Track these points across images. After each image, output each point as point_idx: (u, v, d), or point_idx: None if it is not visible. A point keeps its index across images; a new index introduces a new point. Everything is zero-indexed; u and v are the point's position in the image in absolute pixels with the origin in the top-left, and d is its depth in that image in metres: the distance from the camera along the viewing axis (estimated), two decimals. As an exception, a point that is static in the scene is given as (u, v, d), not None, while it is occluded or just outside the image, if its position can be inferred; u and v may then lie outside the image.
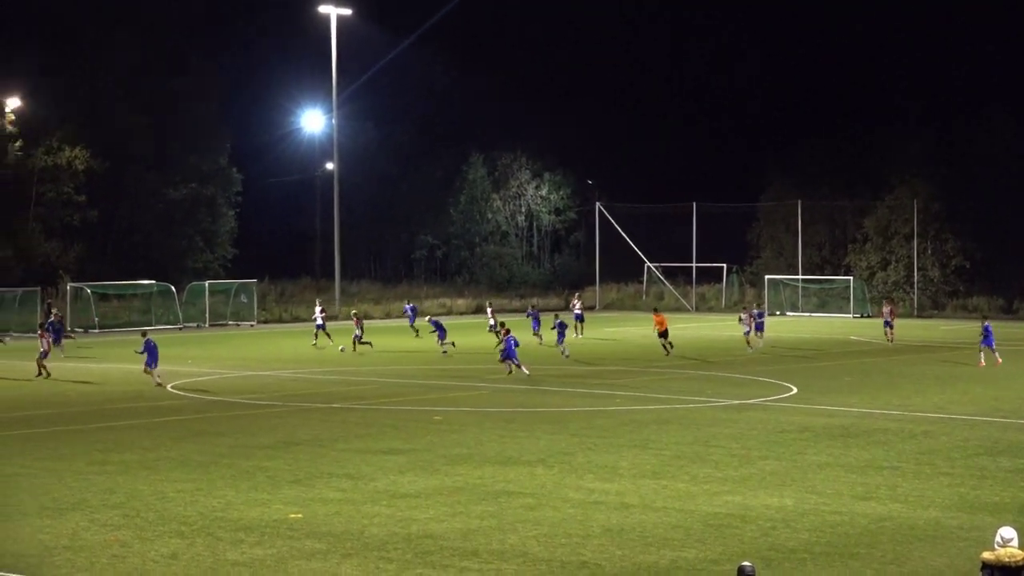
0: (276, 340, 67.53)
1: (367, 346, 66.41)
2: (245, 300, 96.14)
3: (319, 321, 73.03)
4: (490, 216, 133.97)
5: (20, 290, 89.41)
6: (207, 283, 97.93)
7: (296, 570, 21.53)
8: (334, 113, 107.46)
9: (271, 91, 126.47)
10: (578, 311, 78.15)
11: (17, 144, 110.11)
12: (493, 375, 53.21)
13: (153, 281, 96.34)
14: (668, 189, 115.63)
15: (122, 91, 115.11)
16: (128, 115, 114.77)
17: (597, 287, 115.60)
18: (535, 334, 69.21)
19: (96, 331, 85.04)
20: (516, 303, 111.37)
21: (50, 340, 58.60)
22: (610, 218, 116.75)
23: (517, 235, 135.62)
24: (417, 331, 75.10)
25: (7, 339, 79.34)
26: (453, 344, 64.72)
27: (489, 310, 79.85)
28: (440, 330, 65.59)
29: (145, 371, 50.37)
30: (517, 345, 52.88)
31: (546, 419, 40.02)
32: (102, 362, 62.81)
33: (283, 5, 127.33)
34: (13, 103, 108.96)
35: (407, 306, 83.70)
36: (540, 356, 61.10)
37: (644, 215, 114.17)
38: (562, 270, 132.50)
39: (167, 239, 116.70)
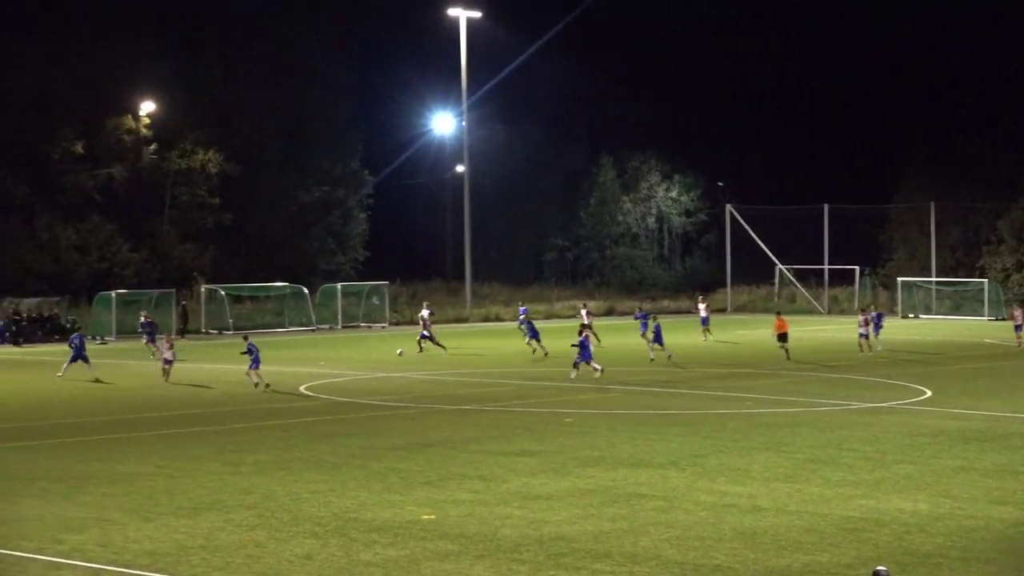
0: (407, 342, 67.81)
1: (441, 349, 66.18)
2: (377, 302, 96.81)
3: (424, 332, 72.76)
4: (620, 218, 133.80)
5: (156, 292, 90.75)
6: (339, 285, 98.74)
7: (429, 571, 21.59)
8: (464, 115, 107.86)
9: (402, 94, 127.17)
10: (703, 314, 77.71)
11: (152, 148, 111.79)
12: (625, 377, 53.12)
13: (286, 283, 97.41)
14: (799, 190, 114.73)
15: (255, 94, 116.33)
16: (261, 118, 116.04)
17: (728, 289, 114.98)
18: (642, 336, 67.78)
19: (230, 332, 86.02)
20: (647, 306, 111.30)
21: (158, 340, 59.70)
22: (740, 220, 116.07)
23: (647, 237, 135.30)
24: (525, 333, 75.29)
25: (106, 339, 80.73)
26: (546, 353, 64.10)
27: (584, 311, 78.79)
28: (533, 332, 65.38)
29: (247, 374, 50.61)
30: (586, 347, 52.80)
31: (677, 421, 39.86)
32: (237, 363, 63.50)
33: (413, 8, 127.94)
34: (148, 107, 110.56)
35: (521, 308, 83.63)
36: (668, 359, 60.85)
37: (775, 217, 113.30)
38: (692, 272, 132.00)
39: (299, 241, 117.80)
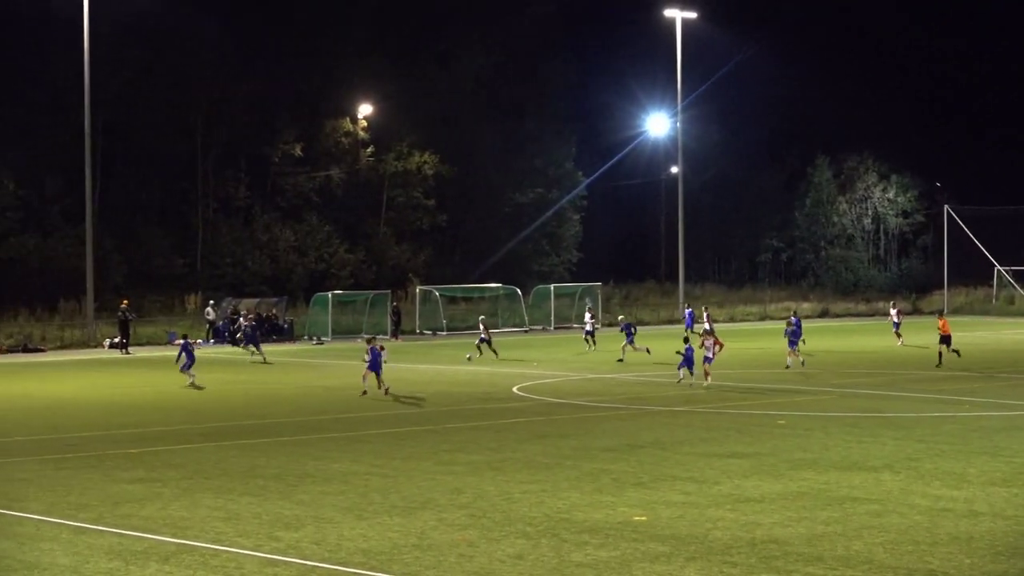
0: (619, 343, 67.78)
1: (493, 354, 65.16)
2: (589, 303, 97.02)
3: (588, 328, 72.36)
4: (835, 219, 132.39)
5: (372, 293, 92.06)
6: (552, 286, 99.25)
7: (640, 573, 21.57)
8: (679, 116, 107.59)
9: (616, 95, 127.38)
10: (895, 319, 76.36)
11: (369, 150, 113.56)
12: (838, 380, 52.54)
13: (499, 284, 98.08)
14: (1019, 190, 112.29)
15: (470, 96, 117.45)
16: (476, 120, 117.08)
17: (945, 291, 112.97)
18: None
19: (443, 333, 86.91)
20: (862, 307, 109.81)
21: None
22: (959, 220, 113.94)
23: (863, 238, 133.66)
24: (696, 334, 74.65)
25: (322, 339, 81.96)
26: (648, 351, 63.45)
27: (706, 315, 77.20)
28: (630, 335, 64.63)
29: (367, 377, 49.38)
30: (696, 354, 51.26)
31: (892, 424, 39.28)
32: (451, 364, 64.18)
33: (629, 10, 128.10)
34: (365, 110, 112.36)
35: (686, 310, 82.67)
36: (881, 361, 60.04)
37: (994, 217, 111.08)
38: (908, 274, 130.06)
39: (513, 243, 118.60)
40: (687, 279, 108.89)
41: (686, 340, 51.57)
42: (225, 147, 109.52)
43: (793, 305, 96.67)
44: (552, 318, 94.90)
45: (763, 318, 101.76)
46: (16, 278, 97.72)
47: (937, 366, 58.16)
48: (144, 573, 21.40)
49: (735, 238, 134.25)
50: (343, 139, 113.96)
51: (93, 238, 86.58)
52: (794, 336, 59.62)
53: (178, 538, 23.96)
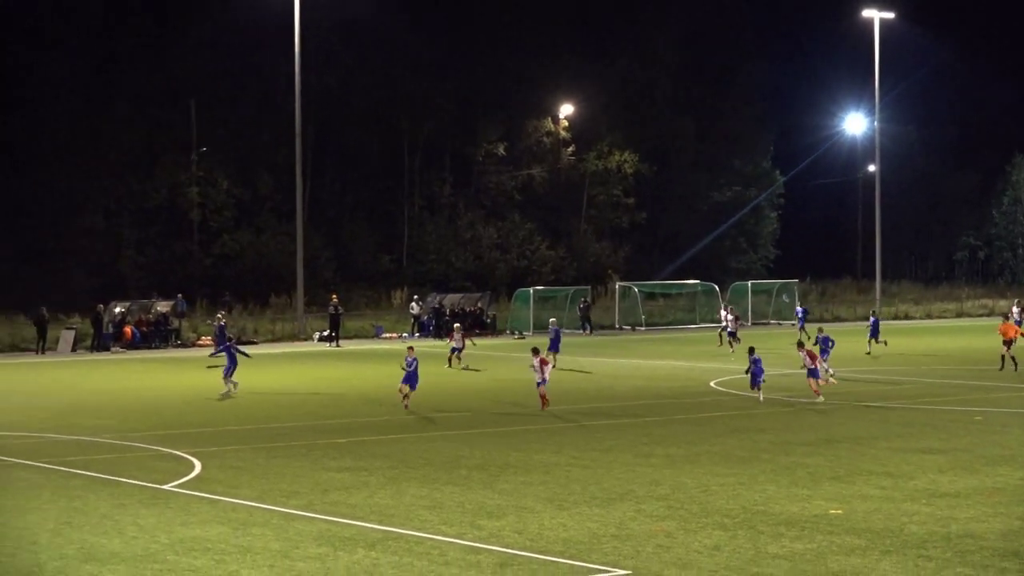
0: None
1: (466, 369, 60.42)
2: (787, 300, 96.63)
3: (730, 328, 71.11)
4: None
5: (572, 288, 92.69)
6: (749, 283, 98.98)
7: (835, 565, 21.75)
8: (876, 116, 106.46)
9: (813, 94, 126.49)
10: (1017, 318, 74.54)
11: (570, 150, 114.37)
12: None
13: (697, 281, 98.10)
14: None
15: (669, 96, 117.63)
16: (674, 119, 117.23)
17: None
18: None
19: (642, 328, 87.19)
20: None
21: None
22: None
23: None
24: (809, 336, 73.72)
25: (524, 334, 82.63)
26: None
27: (798, 313, 74.43)
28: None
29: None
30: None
31: (1096, 423, 38.80)
32: (649, 359, 64.49)
33: (826, 10, 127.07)
34: (566, 110, 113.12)
35: (798, 308, 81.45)
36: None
37: None
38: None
39: (711, 240, 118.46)
40: (884, 276, 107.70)
41: (751, 351, 45.94)
42: (430, 147, 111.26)
43: (955, 304, 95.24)
44: (749, 314, 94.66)
45: (959, 315, 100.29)
46: (230, 274, 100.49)
47: (1000, 368, 55.04)
48: (351, 559, 22.18)
49: (932, 236, 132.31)
50: (545, 138, 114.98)
51: (303, 235, 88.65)
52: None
53: (384, 525, 24.75)
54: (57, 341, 74.70)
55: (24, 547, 23.02)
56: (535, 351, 44.06)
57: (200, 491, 28.40)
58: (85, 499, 27.45)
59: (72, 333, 75.42)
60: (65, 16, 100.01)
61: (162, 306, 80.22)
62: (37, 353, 72.25)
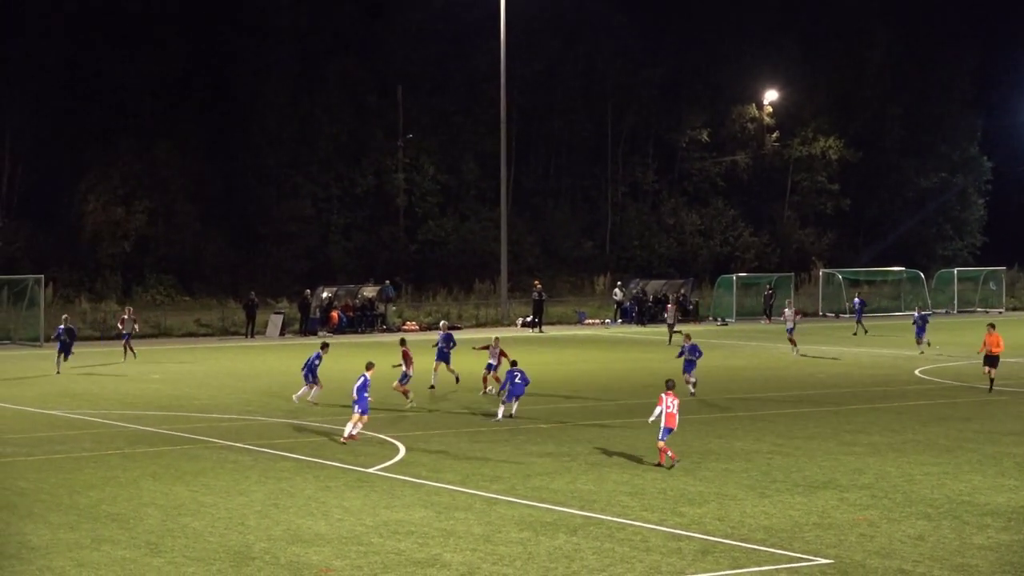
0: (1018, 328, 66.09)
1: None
2: (994, 287, 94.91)
3: (789, 325, 66.87)
4: None
5: (775, 275, 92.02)
6: (955, 270, 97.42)
7: (1043, 556, 21.51)
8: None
9: (1022, 78, 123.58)
10: None
11: (774, 136, 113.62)
12: None
13: (902, 268, 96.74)
14: None
15: (874, 81, 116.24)
16: (880, 105, 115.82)
17: None
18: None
19: (846, 316, 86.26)
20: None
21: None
22: None
23: None
24: (866, 329, 71.66)
25: (727, 320, 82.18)
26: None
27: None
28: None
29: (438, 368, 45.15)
30: None
31: None
32: (853, 346, 63.82)
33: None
34: (771, 96, 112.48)
35: (856, 300, 79.01)
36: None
37: None
38: None
39: (917, 227, 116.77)
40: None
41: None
42: (634, 133, 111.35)
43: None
44: (955, 302, 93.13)
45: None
46: (436, 259, 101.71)
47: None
48: (553, 544, 22.41)
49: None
50: (749, 124, 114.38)
51: (508, 221, 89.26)
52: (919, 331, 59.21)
53: (585, 511, 24.96)
54: (266, 325, 76.19)
55: (233, 527, 23.65)
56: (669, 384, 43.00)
57: (404, 475, 28.88)
58: (292, 481, 28.08)
59: (280, 318, 76.88)
60: (276, 4, 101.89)
61: (368, 291, 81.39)
62: (246, 337, 73.79)
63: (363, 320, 78.53)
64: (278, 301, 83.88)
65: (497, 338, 43.20)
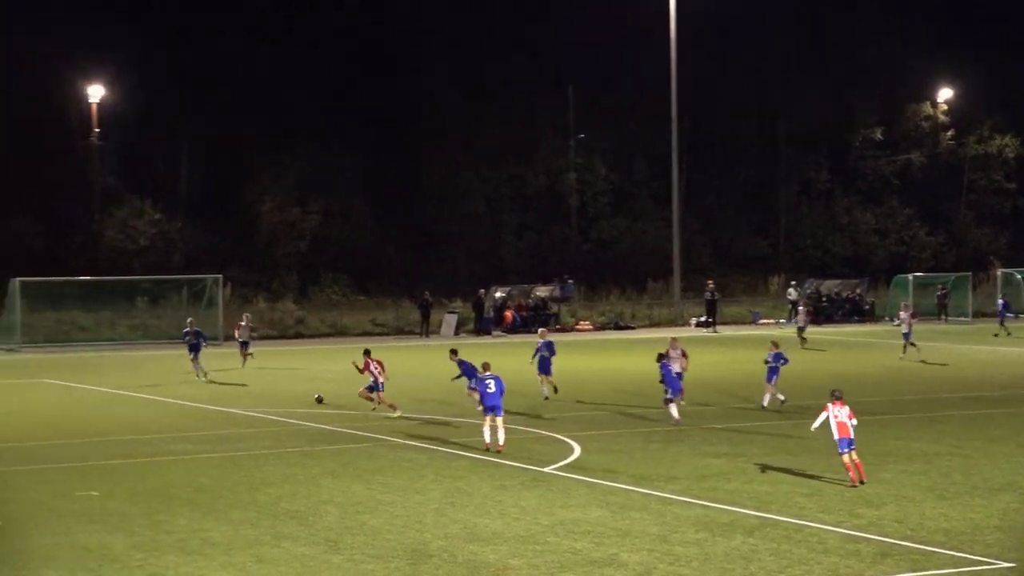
0: None
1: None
2: (905, 299, 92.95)
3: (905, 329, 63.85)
4: None
5: (952, 275, 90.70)
6: None
7: None
8: None
9: None
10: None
11: (949, 134, 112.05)
12: None
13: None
14: None
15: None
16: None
17: None
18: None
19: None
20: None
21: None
22: None
23: None
24: (1008, 331, 69.40)
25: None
26: None
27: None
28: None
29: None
30: None
31: None
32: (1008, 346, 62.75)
33: None
34: (945, 94, 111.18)
35: (1000, 301, 76.49)
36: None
37: None
38: None
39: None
40: None
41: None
42: (805, 132, 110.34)
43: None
44: None
45: None
46: (608, 259, 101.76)
47: None
48: (729, 545, 22.33)
49: None
50: (923, 123, 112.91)
51: (680, 220, 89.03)
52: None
53: (761, 512, 24.83)
54: (440, 325, 76.81)
55: (411, 525, 23.90)
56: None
57: (579, 474, 28.95)
58: (468, 480, 28.29)
59: (455, 317, 77.45)
60: (444, 4, 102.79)
61: (542, 291, 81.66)
62: (421, 336, 74.44)
63: (536, 319, 78.81)
64: (452, 301, 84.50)
65: (675, 338, 42.84)
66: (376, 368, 39.51)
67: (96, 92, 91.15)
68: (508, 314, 77.78)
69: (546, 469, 29.60)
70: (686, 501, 25.93)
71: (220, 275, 75.52)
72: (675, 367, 39.23)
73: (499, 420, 32.02)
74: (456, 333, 76.09)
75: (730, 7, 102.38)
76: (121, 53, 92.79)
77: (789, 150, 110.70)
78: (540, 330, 46.97)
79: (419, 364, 57.32)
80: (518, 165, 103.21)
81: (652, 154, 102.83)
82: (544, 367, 42.73)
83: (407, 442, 33.80)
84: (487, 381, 32.35)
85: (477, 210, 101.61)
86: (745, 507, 25.25)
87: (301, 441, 34.30)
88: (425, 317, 75.83)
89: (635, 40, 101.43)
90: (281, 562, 21.38)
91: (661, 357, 37.39)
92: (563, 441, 33.80)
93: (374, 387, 39.40)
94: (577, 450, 32.31)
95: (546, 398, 42.13)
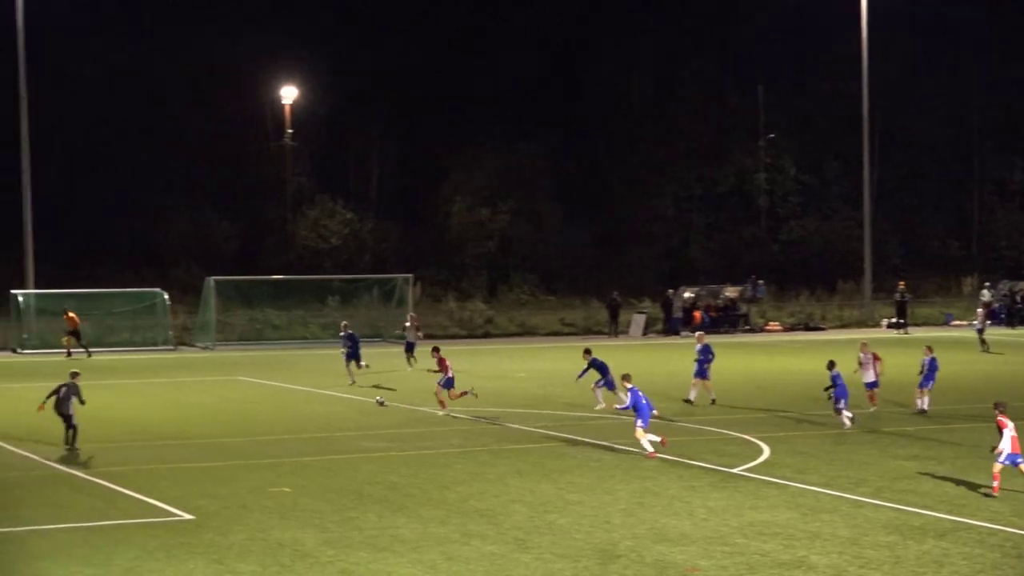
0: None
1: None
2: (987, 293, 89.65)
3: (979, 325, 62.30)
4: None
5: None
6: None
7: None
8: None
9: None
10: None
11: None
12: None
13: None
14: None
15: None
16: None
17: None
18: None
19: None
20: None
21: None
22: None
23: None
24: None
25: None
26: None
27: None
28: None
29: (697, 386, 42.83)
30: None
31: None
32: None
33: None
34: None
35: None
36: None
37: None
38: None
39: None
40: None
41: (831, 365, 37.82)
42: (1000, 131, 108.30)
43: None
44: None
45: None
46: (798, 260, 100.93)
47: None
48: (921, 548, 22.04)
49: None
50: None
51: (871, 221, 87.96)
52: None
53: (954, 515, 24.48)
54: (629, 325, 76.78)
55: (599, 525, 23.95)
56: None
57: (768, 475, 28.79)
58: (656, 480, 28.27)
59: (643, 317, 77.38)
60: (636, 4, 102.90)
61: (730, 291, 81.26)
62: (609, 336, 74.45)
63: (726, 320, 78.40)
64: (640, 300, 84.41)
65: (864, 343, 42.20)
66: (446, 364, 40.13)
67: (289, 94, 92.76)
68: (697, 314, 77.45)
69: (735, 470, 29.47)
70: (877, 504, 25.65)
71: (410, 274, 76.33)
72: (868, 375, 38.96)
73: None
74: (644, 333, 76.00)
75: (924, 1, 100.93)
76: (314, 55, 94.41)
77: (983, 149, 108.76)
78: (698, 334, 45.96)
79: (609, 364, 57.28)
80: (707, 165, 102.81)
81: (842, 153, 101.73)
82: (701, 372, 42.04)
83: (595, 441, 33.87)
84: (640, 392, 31.98)
85: (666, 210, 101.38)
86: (937, 510, 24.90)
87: (489, 440, 34.55)
88: (613, 317, 75.83)
89: (826, 38, 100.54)
90: (470, 560, 21.55)
91: (832, 365, 36.87)
92: (752, 442, 33.63)
93: (448, 383, 40.00)
94: (766, 451, 32.12)
95: (688, 400, 41.51)
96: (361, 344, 50.95)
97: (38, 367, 56.97)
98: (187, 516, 24.96)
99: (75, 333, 64.09)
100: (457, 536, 23.22)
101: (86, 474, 29.59)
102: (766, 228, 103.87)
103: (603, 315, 78.14)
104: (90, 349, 64.45)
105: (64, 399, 33.78)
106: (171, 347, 68.43)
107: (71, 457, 32.41)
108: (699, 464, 30.29)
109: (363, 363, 49.99)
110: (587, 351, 40.85)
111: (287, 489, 27.55)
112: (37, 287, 70.01)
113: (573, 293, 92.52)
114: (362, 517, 24.75)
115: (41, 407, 34.01)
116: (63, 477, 29.53)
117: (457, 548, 22.35)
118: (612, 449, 32.66)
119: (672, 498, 26.34)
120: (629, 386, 32.22)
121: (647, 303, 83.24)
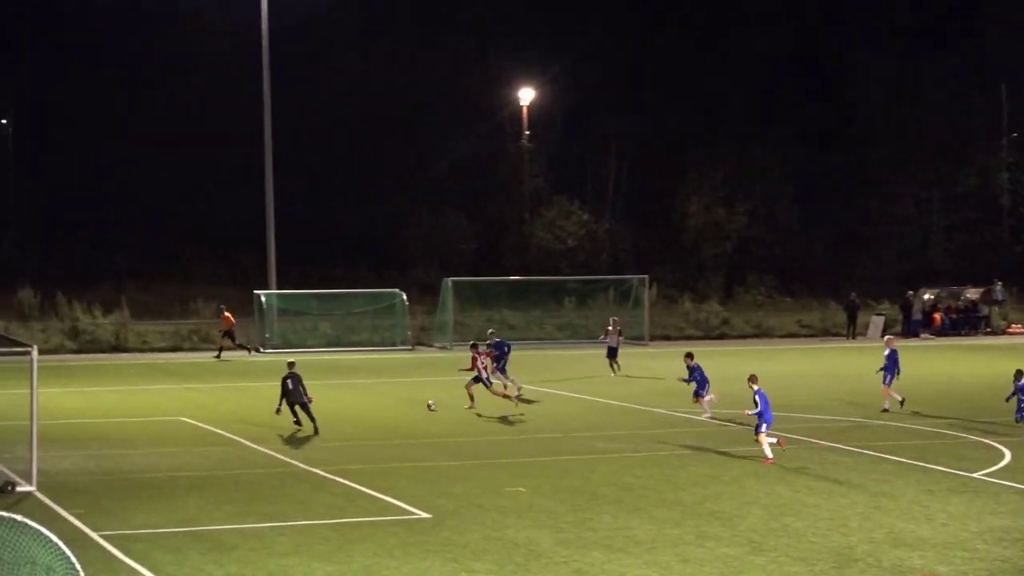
0: None
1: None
2: None
3: None
4: None
5: None
6: None
7: None
8: None
9: None
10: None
11: None
12: None
13: None
14: None
15: None
16: None
17: None
18: None
19: None
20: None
21: None
22: None
23: None
24: None
25: None
26: None
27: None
28: None
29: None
30: None
31: None
32: None
33: None
34: None
35: None
36: None
37: None
38: None
39: None
40: None
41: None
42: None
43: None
44: None
45: None
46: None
47: None
48: None
49: None
50: None
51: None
52: None
53: None
54: (867, 327, 75.75)
55: (835, 528, 23.75)
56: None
57: (1010, 480, 28.26)
58: (893, 484, 27.92)
59: (881, 319, 76.23)
60: (875, 3, 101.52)
61: (971, 293, 79.65)
62: (847, 339, 73.53)
63: (966, 322, 76.86)
64: (879, 302, 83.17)
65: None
66: (482, 363, 40.98)
67: (527, 95, 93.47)
68: (937, 316, 76.08)
69: (975, 475, 28.95)
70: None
71: (646, 275, 76.34)
72: None
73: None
74: (882, 335, 74.84)
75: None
76: (551, 56, 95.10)
77: None
78: (887, 338, 44.69)
79: (845, 366, 56.76)
80: (947, 165, 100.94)
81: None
82: (890, 376, 40.60)
83: (832, 444, 33.55)
84: (765, 394, 31.37)
85: (905, 211, 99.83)
86: None
87: (721, 442, 34.40)
88: (851, 319, 74.82)
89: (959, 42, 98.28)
90: (705, 562, 21.54)
91: (1020, 375, 35.81)
92: (993, 447, 32.99)
93: (479, 379, 40.87)
94: (1008, 456, 31.48)
95: (884, 410, 40.19)
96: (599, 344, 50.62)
97: (280, 367, 58.18)
98: (424, 515, 25.35)
99: (229, 334, 63.79)
100: (692, 538, 23.22)
101: (326, 472, 30.20)
102: (1008, 229, 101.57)
103: (840, 317, 77.18)
104: (250, 346, 65.33)
105: (294, 390, 35.19)
106: (409, 347, 69.29)
107: (311, 447, 33.32)
108: (938, 468, 29.82)
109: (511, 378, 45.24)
110: (689, 355, 39.71)
111: (522, 489, 27.81)
112: (280, 288, 71.47)
113: (810, 294, 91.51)
114: (596, 518, 24.88)
115: (278, 410, 35.28)
116: (303, 475, 30.21)
117: (691, 550, 22.35)
118: (849, 451, 32.33)
119: (910, 502, 25.99)
120: (756, 387, 31.62)
121: (886, 305, 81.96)
